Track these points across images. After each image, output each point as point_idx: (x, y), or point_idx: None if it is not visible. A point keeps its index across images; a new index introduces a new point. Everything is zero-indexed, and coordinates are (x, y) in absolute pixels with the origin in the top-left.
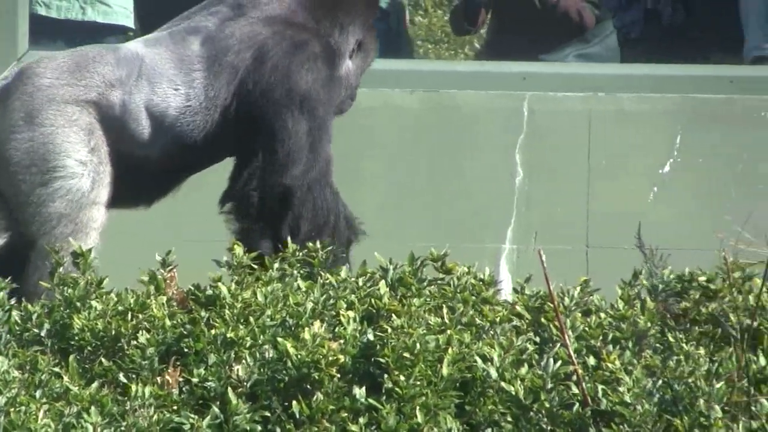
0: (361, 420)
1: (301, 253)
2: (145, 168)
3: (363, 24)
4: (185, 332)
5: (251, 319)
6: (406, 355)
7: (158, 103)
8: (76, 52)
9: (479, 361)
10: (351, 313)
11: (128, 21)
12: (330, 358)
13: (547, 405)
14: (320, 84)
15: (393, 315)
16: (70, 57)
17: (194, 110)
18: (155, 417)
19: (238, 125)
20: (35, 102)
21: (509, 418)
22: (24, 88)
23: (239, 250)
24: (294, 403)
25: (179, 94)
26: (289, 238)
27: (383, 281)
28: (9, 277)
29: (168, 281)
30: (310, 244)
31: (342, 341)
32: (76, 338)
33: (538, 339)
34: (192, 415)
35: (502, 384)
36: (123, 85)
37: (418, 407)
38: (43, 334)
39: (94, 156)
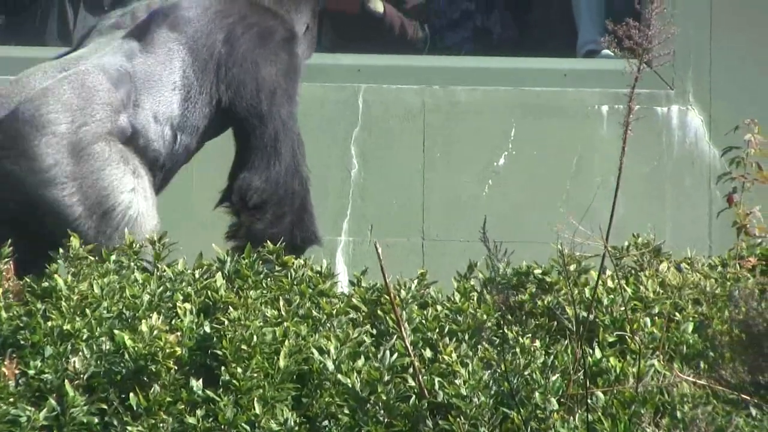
0: (199, 412)
1: (137, 245)
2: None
3: (312, 9)
4: (21, 324)
5: (88, 311)
6: (244, 347)
7: (164, 111)
8: (73, 81)
9: (316, 353)
10: (188, 306)
11: None
12: (167, 351)
13: (384, 397)
14: (283, 74)
15: (230, 307)
16: (71, 88)
17: (193, 100)
18: None
19: (220, 106)
20: (63, 152)
21: (346, 410)
22: (44, 139)
23: (75, 242)
24: (131, 395)
25: (177, 92)
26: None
27: (220, 273)
28: None
29: (4, 273)
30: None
31: (179, 333)
32: None
33: (375, 331)
34: (29, 408)
35: (339, 376)
36: (126, 107)
37: (255, 399)
38: None
39: (137, 178)
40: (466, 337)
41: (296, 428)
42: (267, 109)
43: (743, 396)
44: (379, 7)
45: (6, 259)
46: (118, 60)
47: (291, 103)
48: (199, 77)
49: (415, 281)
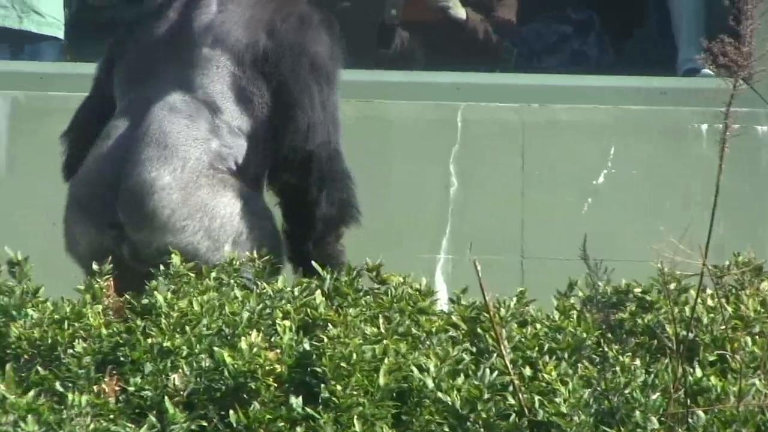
0: (299, 429)
1: (238, 262)
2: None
3: None
4: (122, 341)
5: (188, 328)
6: (343, 364)
7: (238, 124)
8: (154, 133)
9: (416, 371)
10: (287, 323)
11: (60, 33)
12: (267, 368)
13: (484, 415)
14: (326, 55)
15: (329, 325)
16: (156, 143)
17: (258, 107)
18: (92, 426)
19: (273, 98)
20: (175, 200)
21: (446, 428)
22: (155, 197)
23: (176, 259)
24: (231, 412)
25: (241, 104)
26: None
27: (319, 290)
28: None
29: (105, 290)
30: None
31: (279, 351)
32: (13, 347)
33: (474, 349)
34: (129, 424)
35: (439, 394)
36: (211, 132)
37: (355, 417)
38: None
39: (246, 199)
40: (566, 355)
41: None
42: (319, 85)
43: None
44: (461, 13)
45: (106, 276)
46: (179, 91)
47: (332, 84)
48: (252, 83)
49: (515, 299)
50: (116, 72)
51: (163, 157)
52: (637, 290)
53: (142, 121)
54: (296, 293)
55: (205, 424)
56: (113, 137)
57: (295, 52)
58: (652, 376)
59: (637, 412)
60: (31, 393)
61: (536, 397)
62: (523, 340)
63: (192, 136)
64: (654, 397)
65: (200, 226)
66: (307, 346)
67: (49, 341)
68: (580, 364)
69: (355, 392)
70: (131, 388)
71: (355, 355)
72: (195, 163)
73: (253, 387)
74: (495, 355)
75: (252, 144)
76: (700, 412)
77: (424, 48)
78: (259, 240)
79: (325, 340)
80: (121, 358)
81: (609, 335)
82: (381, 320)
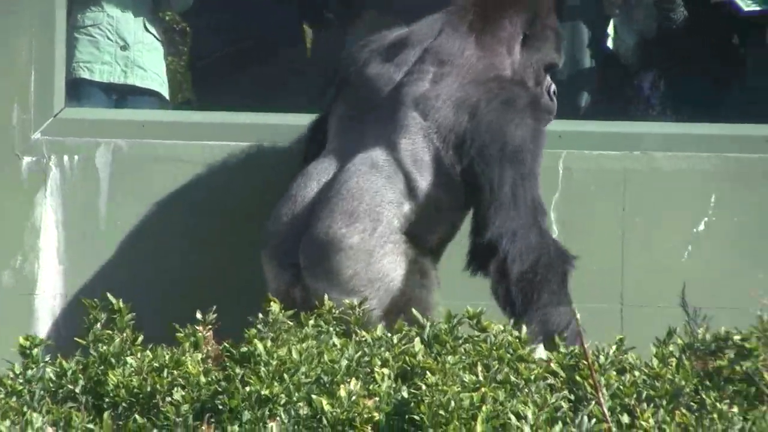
0: None
1: (337, 311)
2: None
3: (551, 65)
4: (220, 389)
5: (286, 376)
6: (441, 412)
7: (434, 194)
8: (351, 188)
9: (513, 418)
10: (386, 371)
11: (162, 89)
12: (365, 416)
13: None
14: (530, 137)
15: (428, 372)
16: (351, 196)
17: (454, 180)
18: None
19: (461, 180)
20: (359, 262)
21: None
22: (341, 254)
23: (275, 306)
24: None
25: (441, 175)
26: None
27: (418, 338)
28: None
29: (206, 340)
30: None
31: (377, 398)
32: (111, 395)
33: (572, 397)
34: None
35: None
36: (405, 196)
37: None
38: (77, 390)
39: (424, 277)
40: (664, 402)
41: None
42: (507, 165)
43: None
44: None
45: (209, 326)
46: (382, 151)
47: (535, 159)
48: (451, 159)
49: (614, 347)
50: (329, 120)
51: (355, 214)
52: (737, 337)
53: (341, 171)
54: (395, 341)
55: None
56: (311, 180)
57: (488, 135)
58: (750, 423)
59: None
60: None
61: None
62: (621, 387)
63: (388, 198)
64: None
65: (376, 295)
66: (405, 394)
67: (148, 389)
68: (677, 412)
69: None
70: None
71: (453, 403)
72: (385, 228)
73: None
74: (593, 402)
75: (440, 213)
76: None
77: None
78: (422, 312)
79: (423, 387)
80: (220, 407)
81: (707, 382)
82: (480, 368)
